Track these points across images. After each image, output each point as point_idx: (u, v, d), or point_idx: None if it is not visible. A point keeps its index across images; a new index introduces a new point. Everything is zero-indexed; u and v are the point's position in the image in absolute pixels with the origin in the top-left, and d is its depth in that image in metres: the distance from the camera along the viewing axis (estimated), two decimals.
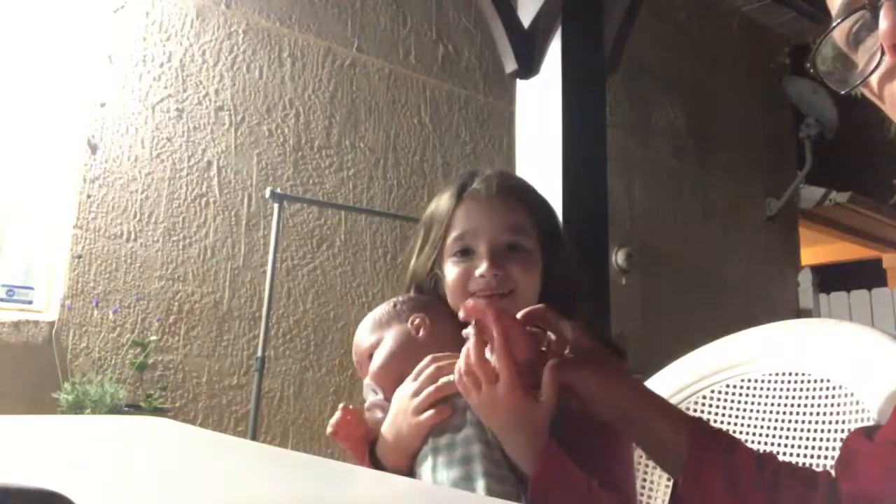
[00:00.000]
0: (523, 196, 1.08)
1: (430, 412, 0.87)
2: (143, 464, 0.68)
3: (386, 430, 0.92)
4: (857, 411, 0.95)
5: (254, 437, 2.53)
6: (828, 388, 1.00)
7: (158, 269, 2.91)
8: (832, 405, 0.98)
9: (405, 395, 0.90)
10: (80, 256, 2.75)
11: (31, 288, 2.72)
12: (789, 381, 1.06)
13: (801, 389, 1.03)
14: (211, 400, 2.94)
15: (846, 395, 0.97)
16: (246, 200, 3.17)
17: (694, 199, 5.06)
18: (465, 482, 0.81)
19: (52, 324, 2.66)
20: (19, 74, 2.78)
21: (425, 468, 0.86)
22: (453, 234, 1.03)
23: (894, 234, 6.39)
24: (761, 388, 1.09)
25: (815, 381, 1.02)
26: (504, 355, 0.77)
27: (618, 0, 2.17)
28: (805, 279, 5.59)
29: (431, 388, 0.88)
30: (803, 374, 1.04)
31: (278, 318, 3.14)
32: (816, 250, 6.40)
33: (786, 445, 1.03)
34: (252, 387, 2.61)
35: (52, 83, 2.84)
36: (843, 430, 0.96)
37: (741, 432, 1.09)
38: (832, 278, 5.83)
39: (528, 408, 0.78)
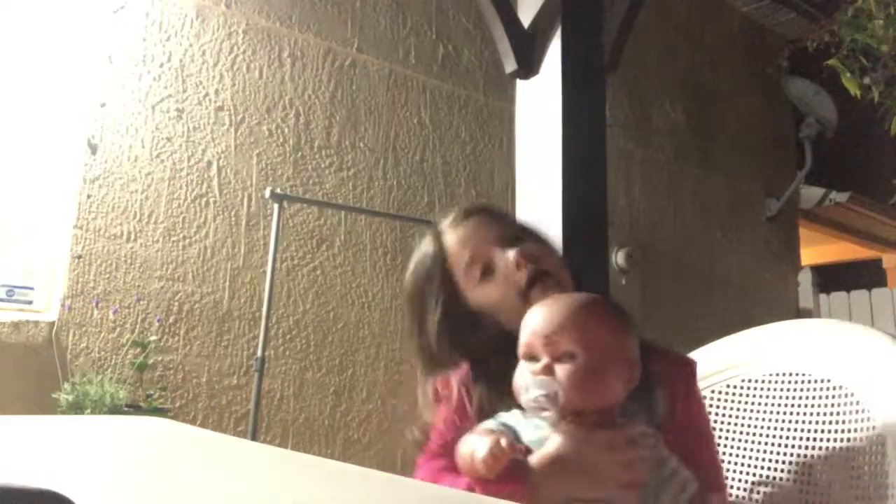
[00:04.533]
0: (492, 208, 1.12)
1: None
2: (143, 464, 0.68)
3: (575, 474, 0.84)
4: (857, 412, 0.95)
5: (254, 437, 2.53)
6: (828, 389, 1.00)
7: (158, 270, 2.91)
8: (832, 405, 0.98)
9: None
10: (80, 256, 2.75)
11: (31, 288, 2.72)
12: (789, 382, 1.06)
13: (802, 389, 1.03)
14: (211, 400, 2.94)
15: (846, 396, 0.97)
16: (246, 200, 3.17)
17: (694, 199, 5.06)
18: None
19: (52, 324, 2.66)
20: (19, 74, 2.78)
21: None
22: (462, 265, 1.01)
23: (894, 234, 6.39)
24: (761, 389, 1.09)
25: (816, 382, 1.02)
26: None
27: (618, 0, 2.17)
28: (805, 279, 5.58)
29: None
30: (803, 375, 1.04)
31: (278, 318, 3.14)
32: (816, 250, 6.39)
33: (786, 446, 1.03)
34: (252, 387, 2.61)
35: (52, 83, 2.84)
36: (843, 431, 0.96)
37: (741, 432, 1.09)
38: (832, 278, 5.83)
39: None
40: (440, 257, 1.03)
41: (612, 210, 2.17)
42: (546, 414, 0.83)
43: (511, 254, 0.99)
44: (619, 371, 0.85)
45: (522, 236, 1.04)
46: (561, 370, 0.83)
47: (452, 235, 1.05)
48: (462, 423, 0.92)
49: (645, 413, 0.90)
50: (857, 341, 0.99)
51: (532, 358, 0.85)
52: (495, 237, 1.02)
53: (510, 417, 0.87)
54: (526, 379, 0.85)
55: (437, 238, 1.06)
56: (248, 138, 3.22)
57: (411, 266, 1.08)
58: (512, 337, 0.90)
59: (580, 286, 1.08)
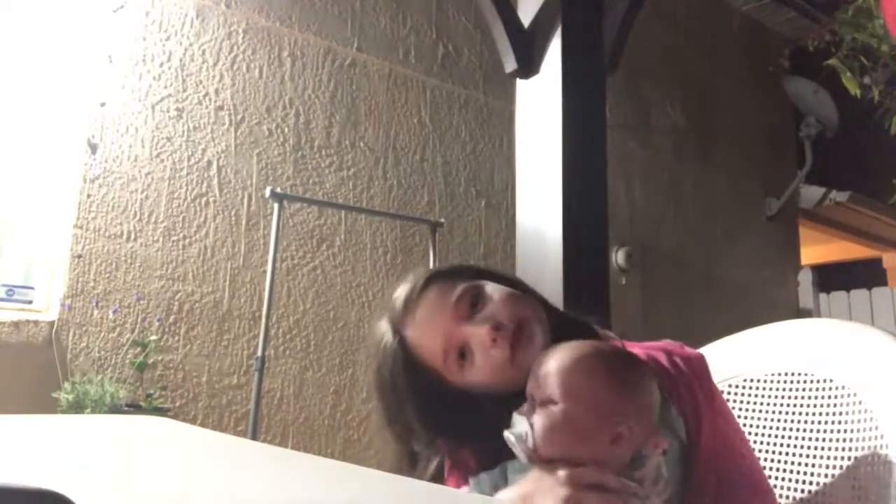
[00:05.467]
0: (442, 267, 1.02)
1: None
2: (143, 464, 0.68)
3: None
4: (859, 411, 0.95)
5: (254, 437, 2.52)
6: (830, 389, 1.00)
7: (158, 269, 2.91)
8: (834, 405, 0.98)
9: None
10: (80, 256, 2.75)
11: (31, 288, 2.72)
12: (791, 382, 1.05)
13: (803, 390, 1.03)
14: (211, 400, 2.94)
15: (848, 396, 0.97)
16: (246, 200, 3.17)
17: (694, 200, 5.06)
18: None
19: (52, 324, 2.66)
20: (19, 74, 2.78)
21: None
22: (439, 357, 0.92)
23: (894, 234, 6.39)
24: (763, 389, 1.09)
25: (817, 382, 1.02)
26: None
27: (618, 0, 2.17)
28: (805, 279, 5.58)
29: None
30: (805, 375, 1.04)
31: (278, 318, 3.14)
32: (816, 250, 6.39)
33: (788, 446, 1.03)
34: (252, 387, 2.61)
35: (52, 83, 2.83)
36: (845, 431, 0.96)
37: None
38: (832, 278, 5.83)
39: None
40: (405, 354, 0.93)
41: (612, 210, 2.16)
42: (517, 452, 0.81)
43: (481, 332, 0.90)
44: (604, 429, 0.79)
45: (480, 291, 0.94)
46: (538, 414, 0.81)
47: (412, 324, 0.94)
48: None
49: (667, 431, 0.86)
50: (859, 341, 0.99)
51: (532, 396, 0.84)
52: (459, 310, 0.93)
53: (513, 463, 0.86)
54: (514, 415, 0.84)
55: (396, 331, 0.94)
56: (248, 138, 3.22)
57: (374, 363, 0.97)
58: (505, 398, 0.88)
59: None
